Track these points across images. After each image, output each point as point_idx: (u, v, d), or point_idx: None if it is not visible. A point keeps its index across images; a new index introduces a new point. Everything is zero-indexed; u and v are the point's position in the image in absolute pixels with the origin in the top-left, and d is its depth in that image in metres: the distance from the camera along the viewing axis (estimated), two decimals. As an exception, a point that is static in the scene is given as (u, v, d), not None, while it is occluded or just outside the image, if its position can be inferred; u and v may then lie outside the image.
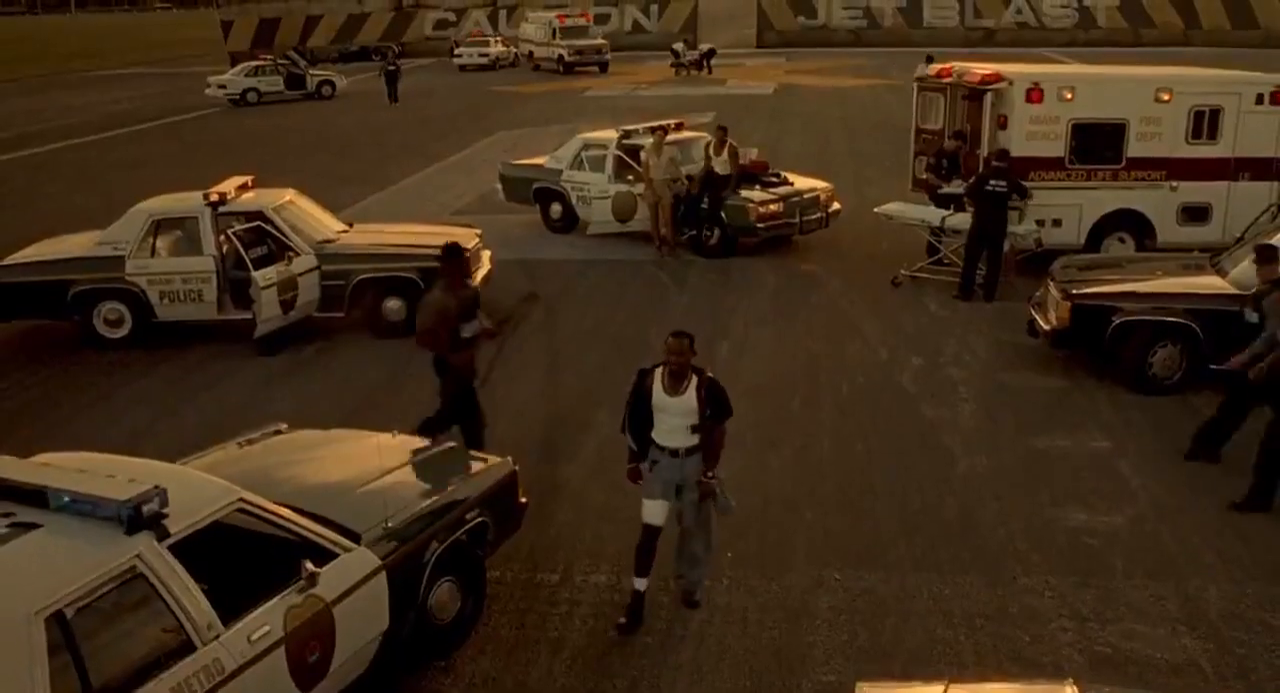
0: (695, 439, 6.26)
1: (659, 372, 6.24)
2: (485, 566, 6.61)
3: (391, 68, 35.06)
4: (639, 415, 6.34)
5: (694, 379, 6.18)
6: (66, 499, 4.73)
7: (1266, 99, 12.99)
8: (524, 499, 6.96)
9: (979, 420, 9.36)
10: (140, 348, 11.57)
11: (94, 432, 9.44)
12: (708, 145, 14.79)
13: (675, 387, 6.18)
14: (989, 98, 13.00)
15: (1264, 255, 8.20)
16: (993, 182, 12.11)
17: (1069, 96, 12.83)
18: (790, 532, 7.61)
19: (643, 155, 14.64)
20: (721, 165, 14.54)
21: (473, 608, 6.40)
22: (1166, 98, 12.90)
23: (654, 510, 6.40)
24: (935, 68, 14.41)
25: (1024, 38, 51.31)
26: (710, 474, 6.34)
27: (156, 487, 4.74)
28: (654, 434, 6.30)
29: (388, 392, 10.33)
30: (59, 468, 5.03)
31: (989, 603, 6.66)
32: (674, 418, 6.20)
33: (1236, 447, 8.61)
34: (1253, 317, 8.20)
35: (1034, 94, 12.80)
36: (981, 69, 13.36)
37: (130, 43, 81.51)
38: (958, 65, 14.10)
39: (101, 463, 5.26)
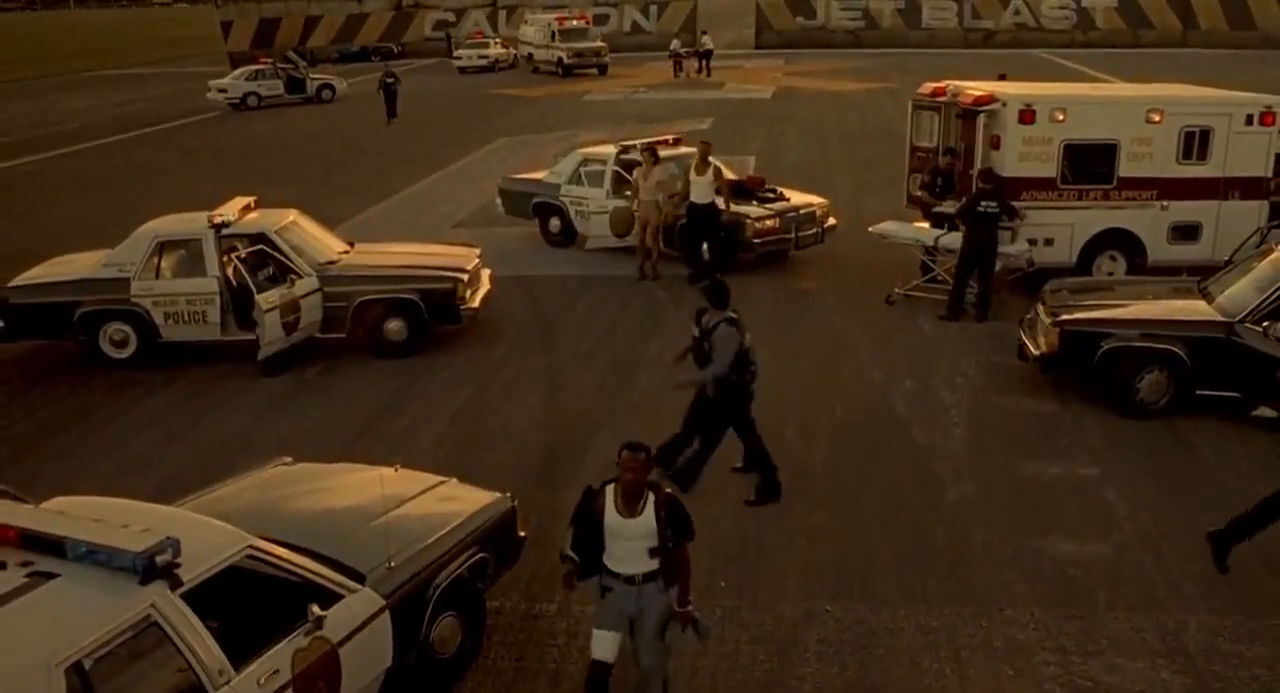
0: (654, 564, 5.53)
1: (610, 491, 5.53)
2: (485, 599, 6.80)
3: (389, 80, 31.61)
4: (586, 540, 5.61)
5: (651, 497, 5.49)
6: (83, 549, 4.91)
7: (1256, 120, 13.16)
8: (522, 533, 7.14)
9: (969, 446, 9.53)
10: (145, 368, 11.75)
11: (100, 457, 9.68)
12: (688, 167, 14.30)
13: (630, 508, 5.46)
14: (982, 119, 13.17)
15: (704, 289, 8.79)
16: (984, 203, 12.33)
17: (1061, 118, 12.99)
18: (784, 561, 7.78)
19: (634, 176, 14.59)
20: (702, 190, 13.97)
21: (473, 642, 6.59)
22: (1157, 119, 13.05)
23: (605, 644, 5.63)
24: (930, 86, 14.60)
25: (1022, 39, 51.53)
26: (685, 605, 5.65)
27: (169, 537, 4.92)
28: (606, 559, 5.58)
29: (390, 414, 10.52)
30: (75, 517, 5.21)
31: (974, 635, 6.85)
32: (630, 542, 5.48)
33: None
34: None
35: (1026, 115, 12.96)
36: (975, 90, 13.52)
37: (130, 41, 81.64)
38: (952, 85, 14.25)
39: (115, 510, 5.44)
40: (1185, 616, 7.01)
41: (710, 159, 14.13)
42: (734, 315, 8.53)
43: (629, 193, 14.99)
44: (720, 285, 8.70)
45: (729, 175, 15.46)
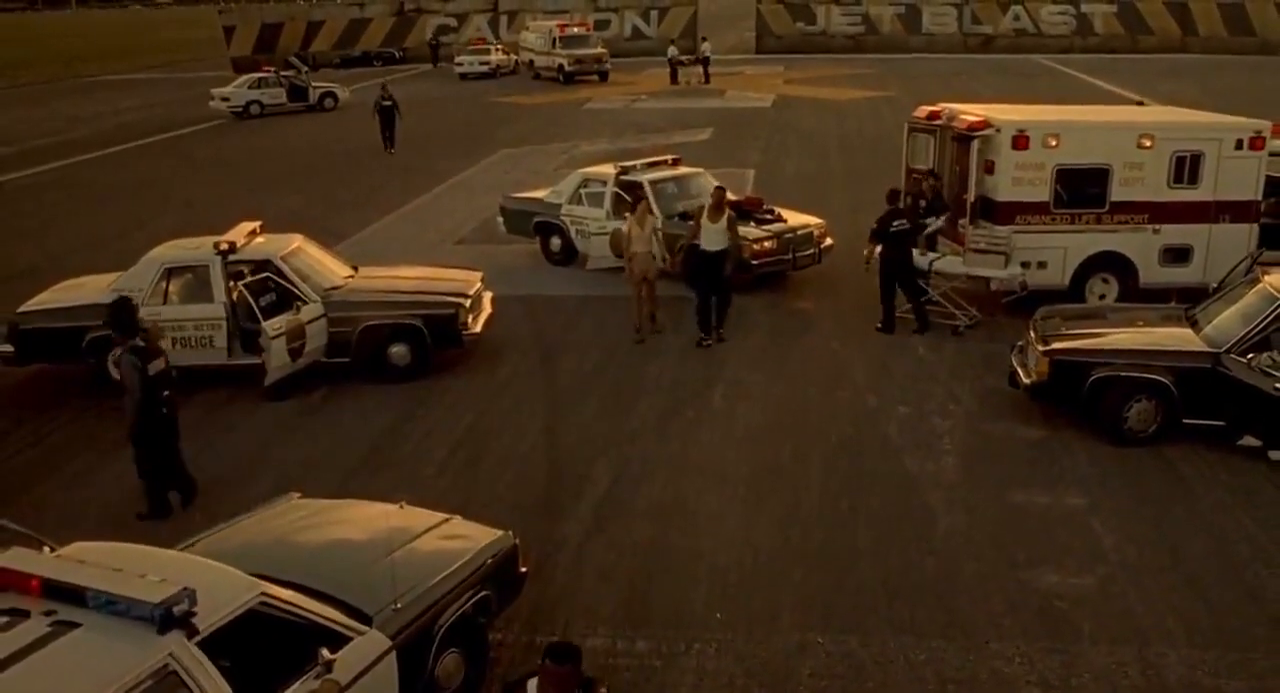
0: None
1: (532, 685, 4.65)
2: (488, 634, 7.02)
3: (386, 102, 27.69)
4: None
5: None
6: (103, 600, 5.13)
7: (1246, 144, 13.37)
8: (524, 569, 7.36)
9: (960, 475, 9.74)
10: (153, 392, 11.96)
11: (110, 485, 9.89)
12: (698, 211, 13.34)
13: None
14: (976, 144, 13.38)
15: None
16: (896, 222, 12.93)
17: (1054, 143, 13.20)
18: (778, 592, 7.99)
19: (624, 227, 13.71)
20: (714, 237, 12.90)
21: (476, 675, 6.81)
22: (1149, 144, 13.26)
23: None
24: (925, 110, 14.81)
25: (1022, 44, 51.84)
26: None
27: (185, 588, 5.14)
28: None
29: (394, 441, 10.72)
30: (94, 566, 5.42)
31: (961, 669, 7.07)
32: None
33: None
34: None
35: (1020, 141, 13.18)
36: (970, 115, 13.72)
37: (132, 44, 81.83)
38: (947, 108, 14.45)
39: (133, 557, 5.66)
40: (1166, 649, 7.22)
41: (724, 205, 13.20)
42: (140, 343, 8.97)
43: (630, 214, 14.98)
44: (122, 312, 9.18)
45: (729, 196, 15.64)
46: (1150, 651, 7.19)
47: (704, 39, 46.24)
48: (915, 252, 13.45)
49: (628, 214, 13.93)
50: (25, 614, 5.16)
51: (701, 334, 13.17)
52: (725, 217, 13.02)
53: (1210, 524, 8.84)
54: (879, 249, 13.12)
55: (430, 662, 6.36)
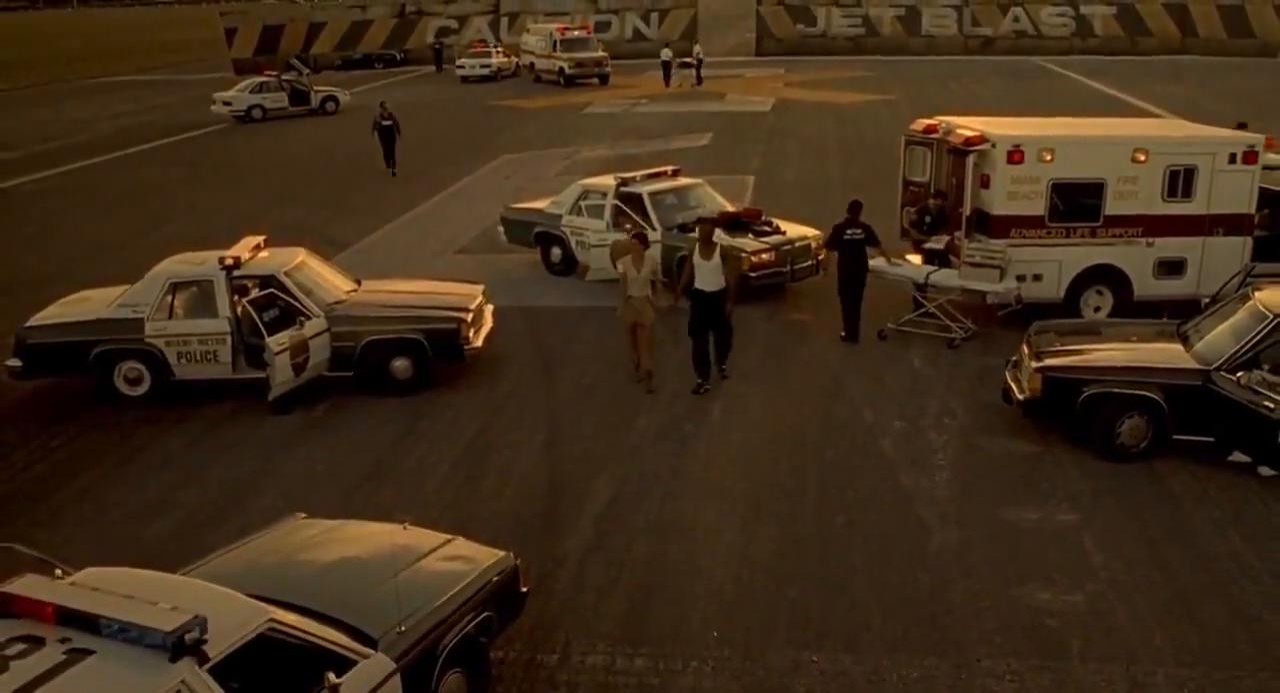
0: None
1: None
2: (489, 653, 7.17)
3: (386, 122, 25.68)
4: None
5: None
6: (116, 627, 5.29)
7: (1239, 158, 13.51)
8: (525, 589, 7.51)
9: (954, 490, 9.89)
10: (158, 406, 12.12)
11: (118, 501, 10.07)
12: (691, 250, 12.32)
13: None
14: (972, 158, 13.52)
15: None
16: (849, 231, 13.15)
17: (1049, 158, 13.34)
18: (773, 610, 8.14)
19: (619, 266, 12.64)
20: (708, 277, 11.95)
21: (478, 695, 6.98)
22: (1143, 158, 13.40)
23: None
24: (922, 123, 14.95)
25: (1021, 46, 52.01)
26: None
27: (197, 615, 5.30)
28: None
29: (396, 456, 10.86)
30: (107, 593, 5.57)
31: (953, 687, 7.22)
32: None
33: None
34: None
35: (1015, 155, 13.31)
36: (966, 130, 13.85)
37: (133, 44, 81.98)
38: (944, 122, 14.59)
39: (145, 584, 5.81)
40: (1153, 667, 7.37)
41: (716, 240, 12.18)
42: None
43: (629, 226, 15.09)
44: None
45: (729, 208, 15.82)
46: (1138, 669, 7.34)
47: (696, 42, 46.39)
48: (915, 260, 13.61)
49: (623, 256, 12.54)
50: (40, 642, 5.30)
51: (699, 380, 12.26)
52: (717, 252, 11.99)
53: (1199, 541, 8.99)
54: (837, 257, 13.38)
55: (433, 683, 6.52)
